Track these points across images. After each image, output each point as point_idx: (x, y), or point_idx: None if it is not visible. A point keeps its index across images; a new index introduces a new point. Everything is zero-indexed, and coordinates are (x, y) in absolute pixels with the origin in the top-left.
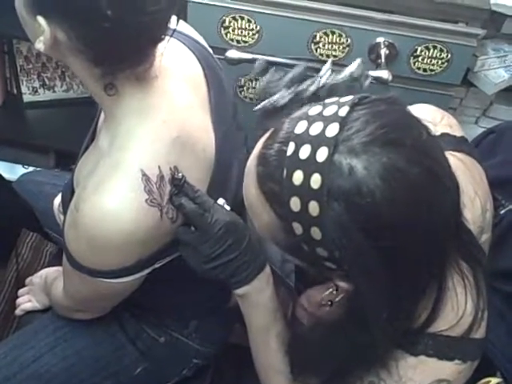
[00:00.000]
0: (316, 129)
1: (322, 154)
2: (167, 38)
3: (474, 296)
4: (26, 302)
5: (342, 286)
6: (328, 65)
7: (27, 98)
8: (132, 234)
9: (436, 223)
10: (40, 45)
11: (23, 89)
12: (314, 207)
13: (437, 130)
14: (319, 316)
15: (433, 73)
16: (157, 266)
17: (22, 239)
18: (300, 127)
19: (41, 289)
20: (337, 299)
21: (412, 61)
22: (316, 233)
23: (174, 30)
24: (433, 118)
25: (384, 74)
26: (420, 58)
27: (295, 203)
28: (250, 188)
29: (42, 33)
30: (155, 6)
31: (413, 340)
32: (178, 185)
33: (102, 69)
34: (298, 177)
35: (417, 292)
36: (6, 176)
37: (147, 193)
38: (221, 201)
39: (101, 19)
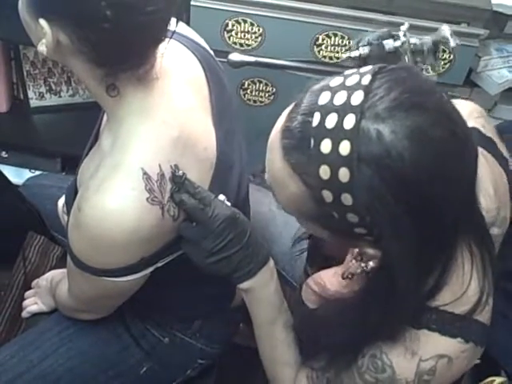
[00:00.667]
0: (340, 98)
1: (350, 122)
2: (167, 39)
3: (481, 276)
4: (33, 304)
5: (371, 252)
6: (405, 26)
7: (34, 103)
8: (134, 233)
9: (461, 186)
10: (42, 47)
11: (30, 94)
12: (344, 173)
13: (469, 122)
14: (330, 296)
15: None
16: (159, 264)
17: (29, 243)
18: (323, 98)
19: (47, 291)
20: (358, 271)
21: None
22: (347, 199)
23: (174, 32)
24: (470, 112)
25: None
26: None
27: (325, 171)
28: (276, 162)
29: (45, 35)
30: (153, 6)
31: (416, 313)
32: (179, 182)
33: (104, 70)
34: (326, 145)
35: (439, 258)
36: (13, 180)
37: (148, 191)
38: (221, 197)
39: (100, 20)
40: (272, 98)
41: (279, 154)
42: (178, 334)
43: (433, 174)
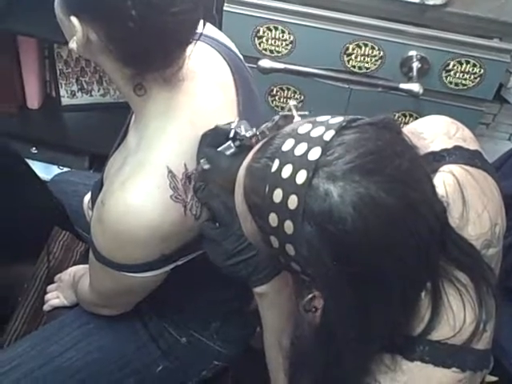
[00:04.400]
0: (300, 150)
1: (301, 177)
2: (195, 41)
3: (476, 308)
4: (55, 298)
5: (317, 297)
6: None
7: (65, 101)
8: (156, 229)
9: (409, 252)
10: (74, 44)
11: (62, 92)
12: (288, 226)
13: (450, 142)
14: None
15: (465, 87)
16: (179, 262)
17: (54, 238)
18: (287, 145)
19: (69, 286)
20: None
21: (444, 75)
22: (290, 249)
23: (202, 34)
24: (447, 130)
25: (415, 87)
26: (452, 73)
27: (273, 219)
28: (238, 196)
29: (76, 33)
30: (177, 7)
31: (410, 345)
32: (205, 179)
33: (131, 69)
34: (277, 195)
35: (393, 313)
36: (42, 176)
37: (172, 189)
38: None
39: (126, 19)
40: (300, 105)
41: (241, 191)
42: (196, 334)
43: (375, 244)
